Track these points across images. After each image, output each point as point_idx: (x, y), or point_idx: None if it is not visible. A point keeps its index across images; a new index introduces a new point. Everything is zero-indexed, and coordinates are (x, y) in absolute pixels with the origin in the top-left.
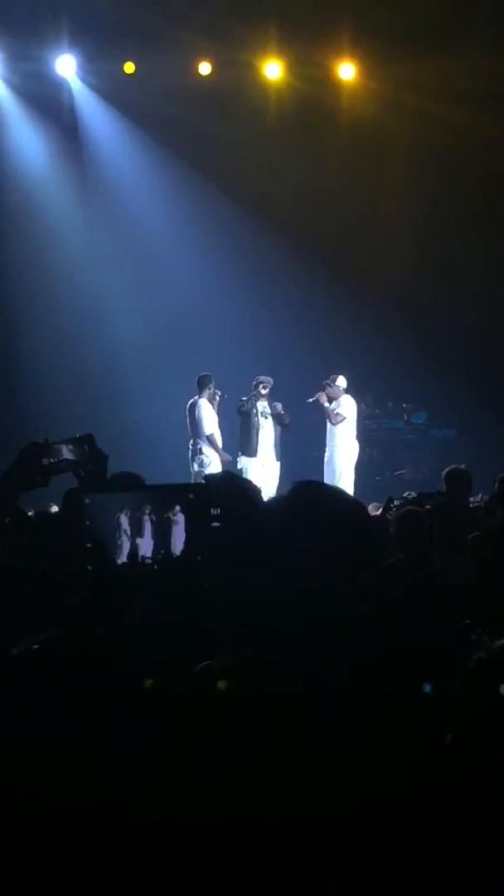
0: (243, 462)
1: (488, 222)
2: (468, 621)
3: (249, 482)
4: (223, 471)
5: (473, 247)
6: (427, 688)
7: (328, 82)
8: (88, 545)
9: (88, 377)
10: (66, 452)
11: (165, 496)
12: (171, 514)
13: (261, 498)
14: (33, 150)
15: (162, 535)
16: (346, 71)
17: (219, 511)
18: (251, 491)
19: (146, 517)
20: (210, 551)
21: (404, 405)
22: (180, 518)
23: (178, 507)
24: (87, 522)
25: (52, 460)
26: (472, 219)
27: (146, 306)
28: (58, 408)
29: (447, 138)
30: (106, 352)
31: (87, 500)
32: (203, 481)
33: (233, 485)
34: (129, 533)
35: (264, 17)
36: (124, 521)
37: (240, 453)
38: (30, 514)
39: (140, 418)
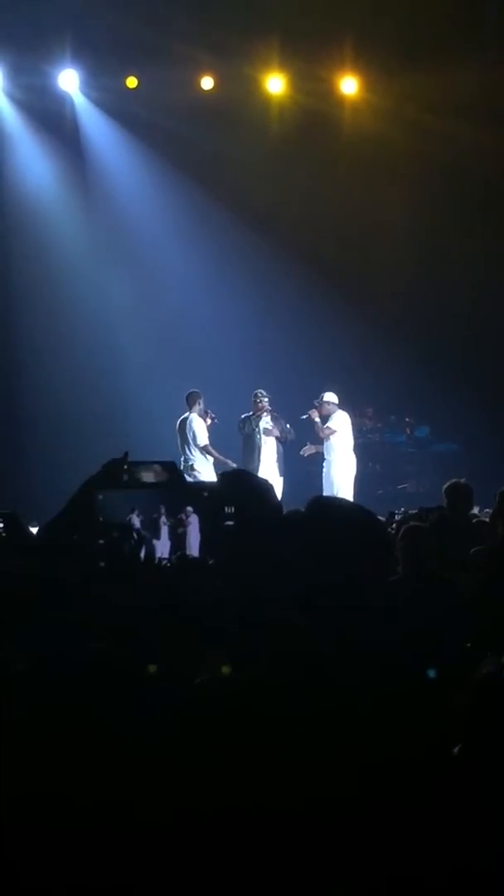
0: None
1: (491, 235)
2: (471, 637)
3: (262, 479)
4: (235, 469)
5: (476, 260)
6: (431, 673)
7: (330, 96)
8: (101, 541)
9: (91, 389)
10: (148, 472)
11: (178, 496)
12: (183, 516)
13: (274, 495)
14: (36, 164)
15: (178, 537)
16: (349, 85)
17: (232, 509)
18: (264, 488)
19: (161, 519)
20: (224, 551)
21: (407, 419)
22: (193, 519)
23: (189, 509)
24: (101, 518)
25: (132, 475)
26: (475, 232)
27: (147, 318)
28: (59, 415)
29: (449, 152)
30: (107, 363)
31: (100, 497)
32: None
33: (245, 482)
34: (141, 534)
35: (266, 32)
36: (136, 521)
37: None
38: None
39: (138, 431)
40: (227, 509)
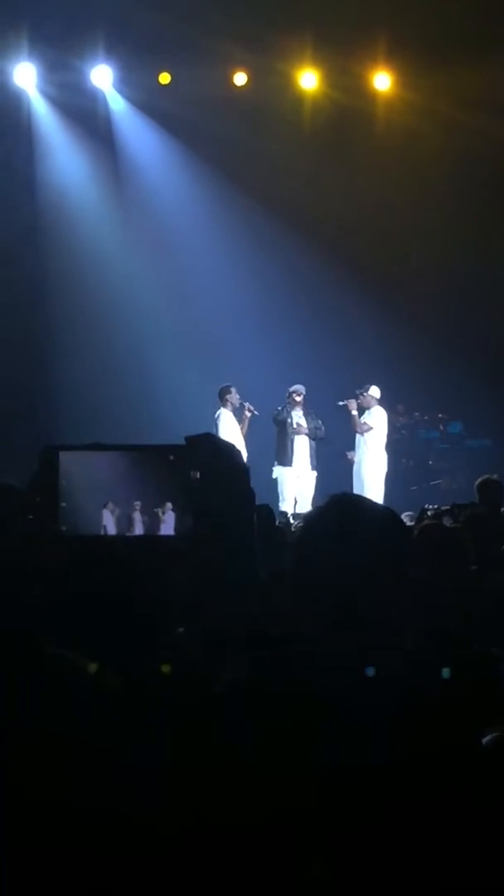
0: (279, 471)
1: None
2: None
3: (231, 445)
4: (205, 433)
5: None
6: (370, 671)
7: (364, 92)
8: (63, 504)
9: (123, 382)
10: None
11: (148, 475)
12: (160, 511)
13: (242, 461)
14: (69, 161)
15: (153, 532)
16: (382, 81)
17: (198, 475)
18: (233, 454)
19: (136, 514)
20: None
21: (440, 415)
22: (169, 516)
23: (168, 504)
24: (64, 482)
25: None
26: None
27: (180, 312)
28: (87, 407)
29: (483, 148)
30: (140, 357)
31: (61, 458)
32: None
33: (215, 446)
34: (114, 529)
35: (300, 28)
36: (108, 517)
37: (276, 462)
38: None
39: (169, 424)
40: (193, 474)
